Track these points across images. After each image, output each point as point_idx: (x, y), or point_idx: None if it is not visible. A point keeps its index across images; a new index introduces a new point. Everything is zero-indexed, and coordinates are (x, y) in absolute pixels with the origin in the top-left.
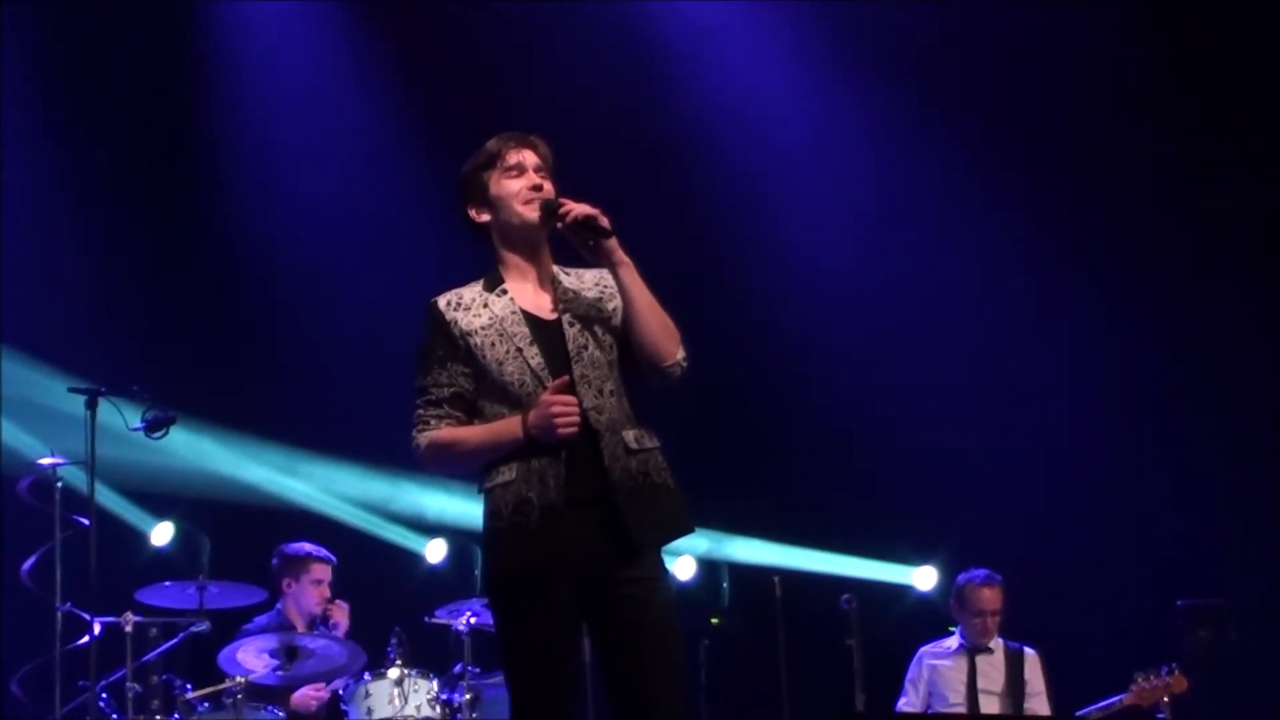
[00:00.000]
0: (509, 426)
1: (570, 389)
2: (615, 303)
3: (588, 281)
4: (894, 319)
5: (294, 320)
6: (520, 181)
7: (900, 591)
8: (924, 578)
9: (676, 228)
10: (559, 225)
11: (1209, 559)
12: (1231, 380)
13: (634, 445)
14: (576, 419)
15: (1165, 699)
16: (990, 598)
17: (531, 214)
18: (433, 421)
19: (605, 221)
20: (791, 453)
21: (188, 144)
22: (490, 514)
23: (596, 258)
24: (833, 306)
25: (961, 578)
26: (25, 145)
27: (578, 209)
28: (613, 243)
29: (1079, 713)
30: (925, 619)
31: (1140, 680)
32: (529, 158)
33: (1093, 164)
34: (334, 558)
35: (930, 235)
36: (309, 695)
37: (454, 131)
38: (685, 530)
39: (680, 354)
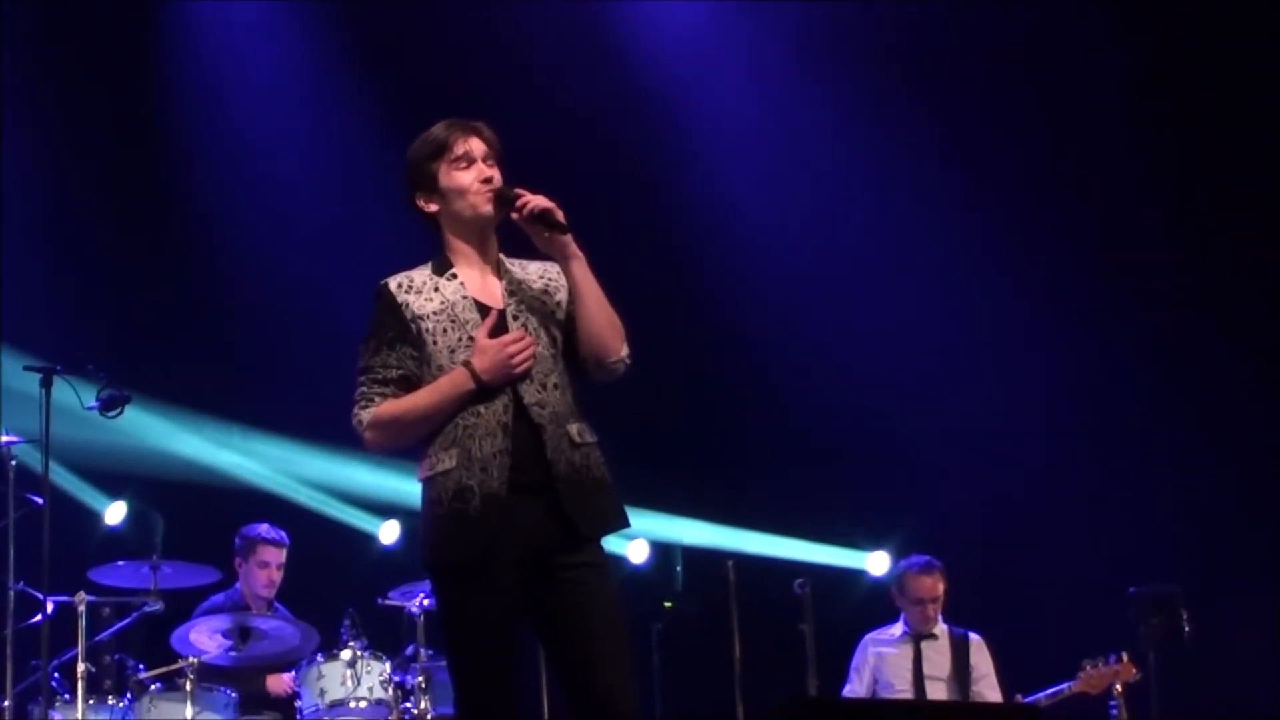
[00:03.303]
0: (454, 381)
1: (501, 325)
2: (560, 295)
3: (532, 273)
4: (851, 305)
5: (250, 301)
6: (470, 174)
7: (854, 576)
8: (877, 563)
9: (632, 212)
10: (515, 216)
11: (1163, 546)
12: (1188, 368)
13: (577, 439)
14: (533, 351)
15: (1117, 687)
16: (929, 585)
17: (485, 207)
18: (376, 399)
19: (561, 216)
20: (746, 437)
21: (149, 124)
22: (429, 501)
23: (549, 250)
24: (790, 291)
25: (901, 564)
26: None
27: (535, 201)
28: (567, 237)
29: (1025, 699)
30: (879, 604)
31: (1088, 667)
32: (477, 146)
33: (1066, 152)
34: (286, 539)
35: (889, 222)
36: (289, 681)
37: (409, 116)
38: (624, 525)
39: (625, 351)
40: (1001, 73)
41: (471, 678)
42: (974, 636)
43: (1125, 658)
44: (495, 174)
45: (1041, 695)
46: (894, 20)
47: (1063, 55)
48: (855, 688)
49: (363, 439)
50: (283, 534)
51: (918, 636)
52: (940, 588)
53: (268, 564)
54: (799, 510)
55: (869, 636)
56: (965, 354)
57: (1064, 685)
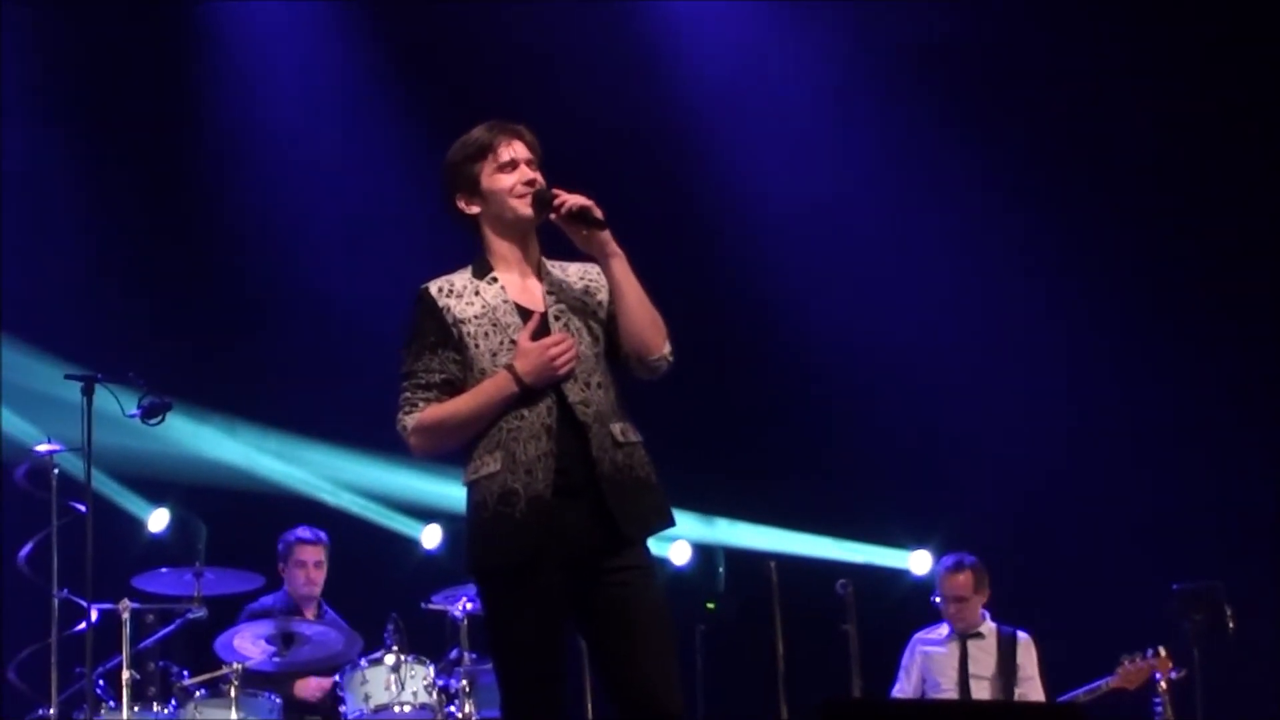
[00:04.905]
0: (498, 385)
1: (543, 328)
2: (601, 295)
3: (573, 274)
4: (891, 302)
5: (290, 306)
6: (513, 176)
7: (896, 576)
8: (920, 562)
9: (670, 213)
10: (552, 216)
11: (1206, 542)
12: (1227, 363)
13: (620, 439)
14: (575, 353)
15: (1162, 685)
16: (958, 583)
17: (526, 210)
18: (420, 404)
19: (599, 213)
20: (787, 437)
21: (184, 128)
22: (475, 505)
23: (589, 248)
24: (828, 290)
25: (937, 565)
26: (22, 132)
27: (572, 200)
28: (606, 234)
29: (1063, 697)
30: (921, 603)
31: (1126, 662)
32: (520, 150)
33: (1093, 148)
34: (324, 538)
35: (928, 218)
36: (314, 686)
37: (446, 121)
38: (668, 524)
39: (667, 348)
40: (1033, 71)
41: (517, 681)
42: (1022, 635)
43: (1163, 651)
44: (538, 177)
45: (1080, 692)
46: (925, 18)
47: (1091, 54)
48: (904, 687)
49: (407, 444)
50: (320, 533)
51: (964, 635)
52: (969, 585)
53: (304, 563)
54: (841, 510)
55: (917, 636)
56: (1006, 350)
57: (1101, 681)
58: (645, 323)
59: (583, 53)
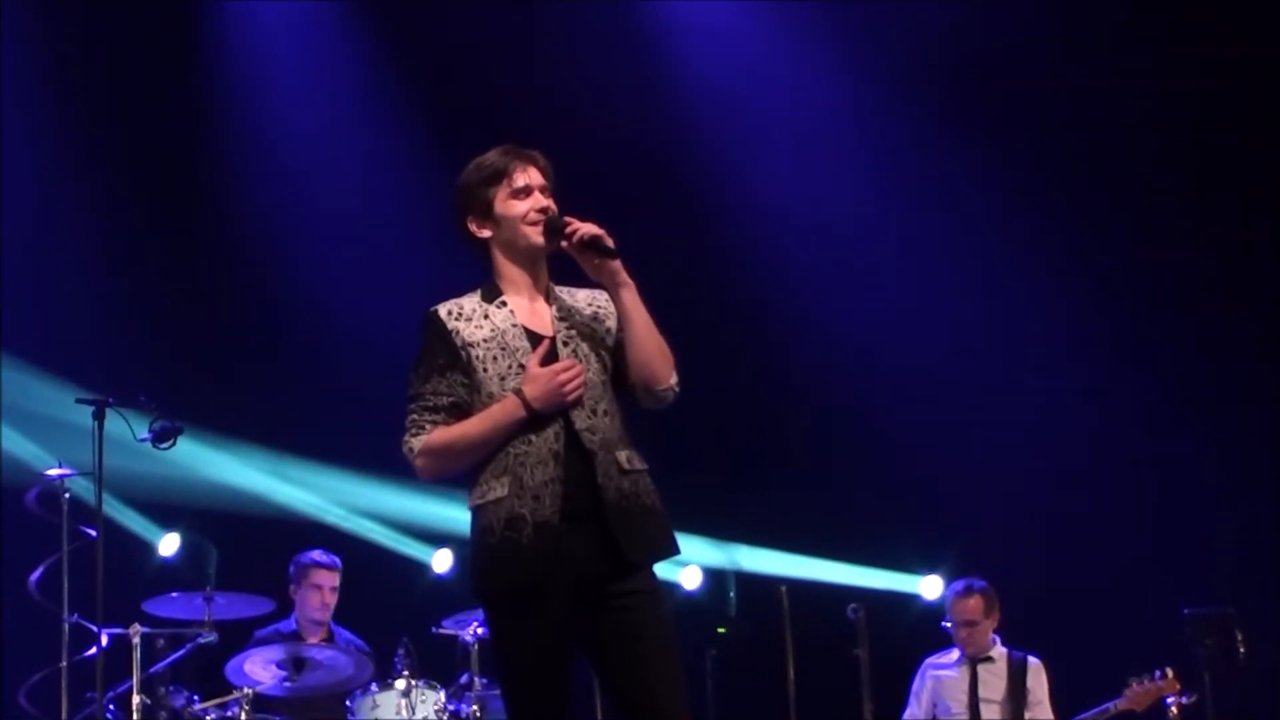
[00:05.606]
0: (506, 409)
1: (551, 355)
2: (610, 322)
3: (581, 300)
4: (901, 328)
5: (301, 329)
6: (527, 203)
7: (907, 601)
8: (931, 587)
9: (678, 232)
10: (564, 244)
11: (1217, 566)
12: (1241, 386)
13: (626, 466)
14: (584, 379)
15: (1173, 710)
16: (968, 608)
17: (538, 237)
18: (427, 426)
19: (610, 242)
20: (798, 462)
21: (192, 151)
22: (480, 530)
23: (599, 277)
24: (840, 315)
25: (947, 590)
26: (29, 153)
27: (584, 229)
28: (617, 263)
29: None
30: (932, 628)
31: (1134, 684)
32: (534, 177)
33: (1111, 161)
34: (338, 563)
35: (938, 240)
36: None
37: (454, 141)
38: (673, 552)
39: (674, 379)
40: (1037, 74)
41: (525, 706)
42: (1033, 660)
43: (1170, 673)
44: (551, 204)
45: (1088, 715)
46: (937, 23)
47: (1093, 57)
48: (915, 712)
49: (413, 466)
50: (335, 558)
51: (974, 660)
52: (979, 610)
53: (320, 586)
54: (852, 535)
55: (928, 661)
56: (1017, 373)
57: (1109, 704)
58: (653, 353)
59: (586, 61)
